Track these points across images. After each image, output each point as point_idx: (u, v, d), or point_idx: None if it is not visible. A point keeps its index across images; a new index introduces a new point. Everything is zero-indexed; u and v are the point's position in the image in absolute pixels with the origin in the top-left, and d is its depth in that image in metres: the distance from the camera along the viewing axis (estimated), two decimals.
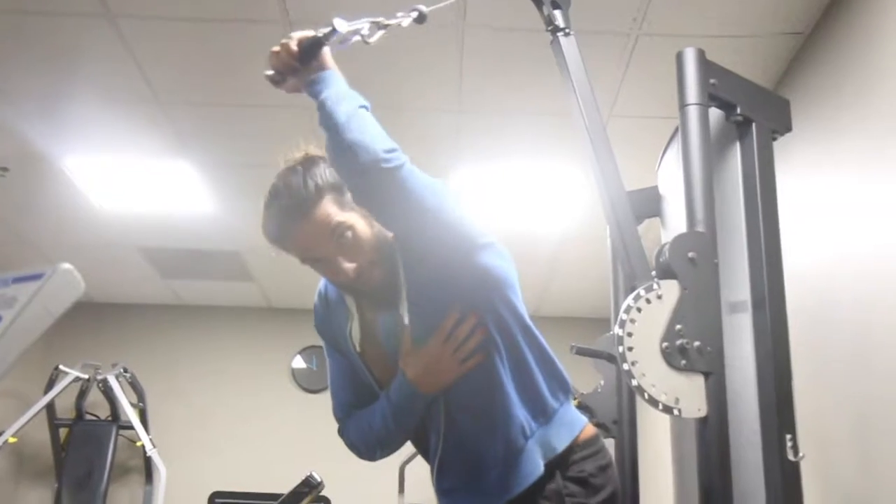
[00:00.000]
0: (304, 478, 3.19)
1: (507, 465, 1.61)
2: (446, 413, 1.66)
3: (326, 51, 1.54)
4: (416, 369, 1.63)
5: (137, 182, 4.53)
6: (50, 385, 5.74)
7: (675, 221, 2.31)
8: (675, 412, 1.63)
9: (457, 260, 1.61)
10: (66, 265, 1.52)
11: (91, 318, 6.45)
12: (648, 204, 2.59)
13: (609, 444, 2.30)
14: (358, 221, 1.60)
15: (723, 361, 1.69)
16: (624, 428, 3.00)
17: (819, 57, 3.08)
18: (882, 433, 2.48)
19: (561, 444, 1.64)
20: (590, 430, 1.72)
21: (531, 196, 4.58)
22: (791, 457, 1.84)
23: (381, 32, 1.56)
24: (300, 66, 1.54)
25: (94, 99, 3.75)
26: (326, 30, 1.50)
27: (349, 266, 1.59)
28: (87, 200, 4.72)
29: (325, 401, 6.58)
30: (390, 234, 1.64)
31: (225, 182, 4.50)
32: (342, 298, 1.76)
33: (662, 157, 2.47)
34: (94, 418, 6.03)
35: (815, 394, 2.81)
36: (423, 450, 1.77)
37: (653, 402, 1.62)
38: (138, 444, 5.72)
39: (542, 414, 1.66)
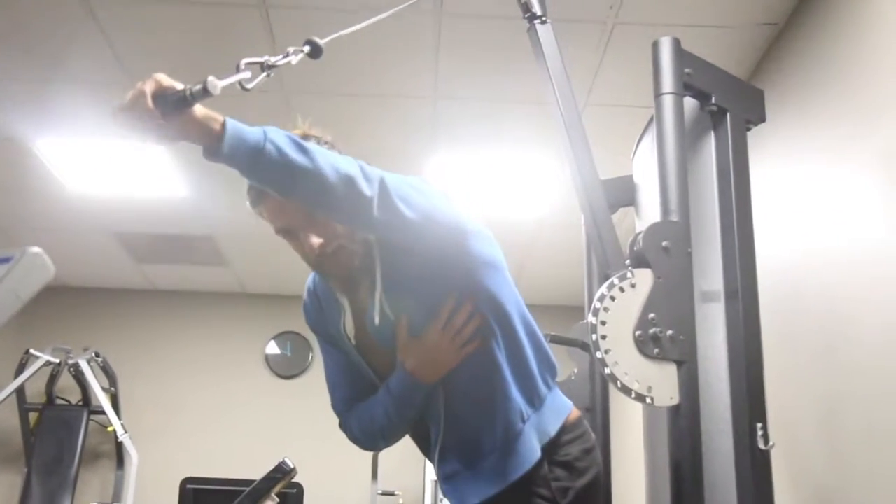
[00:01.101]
0: (276, 464, 3.19)
1: (506, 449, 1.62)
2: (446, 399, 1.66)
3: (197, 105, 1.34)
4: (415, 360, 1.63)
5: (111, 165, 4.47)
6: (20, 369, 5.67)
7: (649, 210, 2.32)
8: (648, 400, 1.64)
9: (447, 250, 1.60)
10: (36, 248, 1.49)
11: (63, 302, 6.38)
12: (623, 193, 2.60)
13: None
14: None
15: (695, 350, 1.70)
16: (597, 416, 3.02)
17: (793, 48, 3.09)
18: (851, 422, 2.51)
19: (553, 429, 1.66)
20: (575, 412, 1.74)
21: (506, 184, 4.58)
22: (761, 445, 1.86)
23: (263, 76, 1.42)
24: (160, 122, 1.33)
25: (68, 81, 3.70)
26: (196, 88, 1.30)
27: (315, 241, 1.58)
28: (60, 184, 4.66)
29: (298, 387, 6.59)
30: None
31: (199, 166, 4.46)
32: (330, 291, 1.75)
33: (637, 146, 2.48)
34: (64, 403, 5.97)
35: (786, 383, 2.84)
36: (422, 439, 1.78)
37: (626, 390, 1.63)
38: (109, 429, 5.68)
39: (536, 398, 1.68)
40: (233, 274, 6.21)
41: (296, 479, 3.42)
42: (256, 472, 3.27)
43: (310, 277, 1.84)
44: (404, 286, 1.63)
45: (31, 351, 5.68)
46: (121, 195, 4.84)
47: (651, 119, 2.14)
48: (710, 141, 2.08)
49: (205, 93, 1.28)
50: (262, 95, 3.70)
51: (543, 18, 1.91)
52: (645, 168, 2.42)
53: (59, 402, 5.96)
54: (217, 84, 1.29)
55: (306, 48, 1.47)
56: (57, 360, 5.75)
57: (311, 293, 1.83)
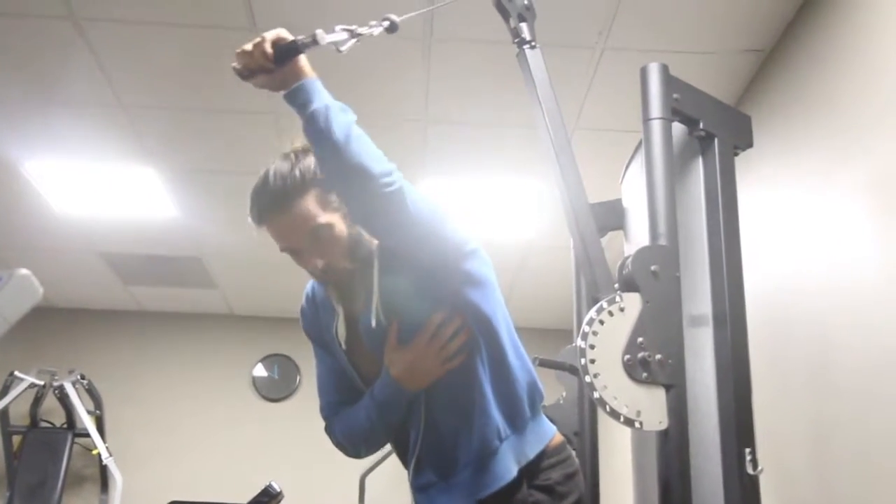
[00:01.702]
0: (263, 487, 3.17)
1: (481, 465, 1.62)
2: (426, 409, 1.68)
3: (303, 57, 1.52)
4: (399, 367, 1.66)
5: (99, 187, 4.47)
6: (4, 391, 5.61)
7: (638, 234, 2.33)
8: (637, 425, 1.64)
9: (444, 265, 1.64)
10: (24, 270, 1.49)
11: (49, 323, 6.34)
12: (612, 217, 2.61)
13: None
14: (337, 222, 1.62)
15: (684, 374, 1.70)
16: (585, 440, 3.01)
17: (780, 74, 3.13)
18: (839, 448, 2.51)
19: (533, 452, 1.66)
20: (558, 437, 1.74)
21: (495, 207, 4.60)
22: (750, 470, 1.85)
23: (353, 41, 1.55)
24: (273, 69, 1.50)
25: (57, 102, 3.69)
26: (307, 39, 1.49)
27: (319, 262, 1.63)
28: (48, 205, 4.65)
29: (285, 410, 6.56)
30: (368, 237, 1.67)
31: (188, 188, 4.46)
32: (327, 297, 1.80)
33: (626, 170, 2.49)
34: (48, 425, 5.91)
35: (774, 408, 2.85)
36: (402, 447, 1.79)
37: (614, 414, 1.63)
38: (94, 452, 5.62)
39: (519, 419, 1.68)
40: (221, 296, 6.19)
41: (283, 503, 3.40)
42: (243, 496, 3.25)
43: (309, 284, 1.87)
44: (399, 294, 1.66)
45: (16, 373, 5.62)
46: (109, 216, 4.83)
47: (639, 144, 2.15)
48: (699, 166, 2.09)
49: (313, 42, 1.48)
50: (250, 116, 3.71)
51: (533, 43, 1.92)
52: (633, 192, 2.43)
53: (43, 424, 5.89)
54: (324, 36, 1.48)
55: (385, 23, 1.60)
56: (41, 383, 5.70)
57: (310, 299, 1.87)
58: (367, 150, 1.46)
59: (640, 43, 3.20)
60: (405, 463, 1.78)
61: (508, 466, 1.62)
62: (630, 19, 3.07)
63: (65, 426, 5.85)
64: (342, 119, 1.47)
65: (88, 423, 5.60)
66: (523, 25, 1.94)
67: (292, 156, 1.63)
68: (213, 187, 4.44)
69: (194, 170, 4.28)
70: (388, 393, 1.68)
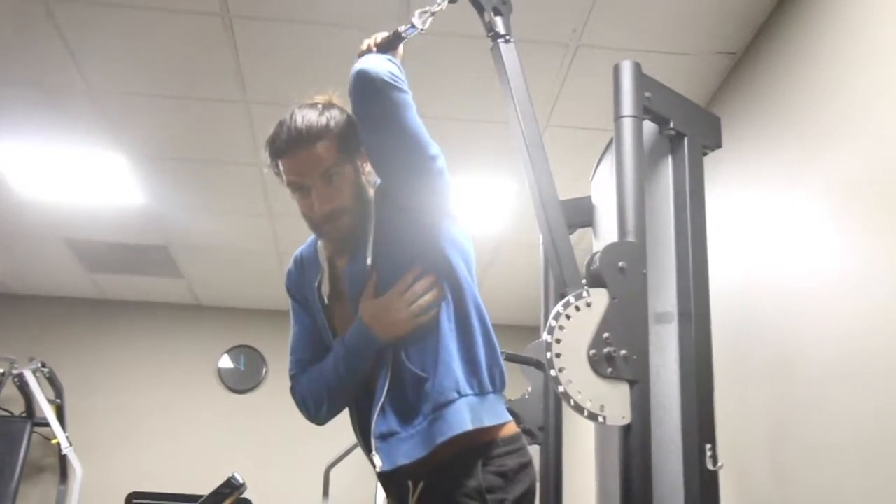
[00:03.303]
0: (226, 479, 3.15)
1: (436, 414, 1.65)
2: (394, 356, 1.73)
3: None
4: (372, 315, 1.73)
5: (64, 171, 4.40)
6: None
7: (606, 231, 2.35)
8: (600, 419, 1.65)
9: (429, 221, 1.74)
10: None
11: (10, 310, 6.26)
12: (581, 213, 2.63)
13: (535, 450, 2.32)
14: (349, 171, 1.75)
15: (648, 370, 1.72)
16: (550, 434, 3.03)
17: (750, 77, 3.16)
18: (797, 445, 2.55)
19: (488, 421, 1.68)
20: (514, 427, 1.76)
21: (464, 203, 4.59)
22: (710, 466, 1.88)
23: (430, 19, 1.83)
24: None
25: (22, 84, 3.63)
26: (406, 27, 1.79)
27: (325, 204, 1.73)
28: (10, 188, 4.57)
29: (251, 402, 6.51)
30: (372, 192, 1.79)
31: (156, 175, 4.41)
32: (316, 256, 1.89)
33: (596, 167, 2.50)
34: (6, 414, 5.82)
35: (736, 405, 2.88)
36: (362, 400, 1.81)
37: (578, 408, 1.64)
38: (54, 441, 5.55)
39: (478, 384, 1.71)
40: (187, 285, 6.14)
41: (245, 495, 3.38)
42: (205, 488, 3.22)
43: (298, 249, 1.98)
44: (388, 243, 1.75)
45: None
46: (74, 202, 4.76)
47: (610, 142, 2.16)
48: (668, 165, 2.11)
49: (412, 28, 1.80)
50: (220, 103, 3.68)
51: (508, 38, 1.93)
52: (603, 190, 2.45)
53: (1, 413, 5.81)
54: (419, 20, 1.82)
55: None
56: (1, 370, 5.61)
57: (297, 261, 1.96)
58: (397, 77, 1.67)
59: (614, 41, 3.22)
60: (359, 419, 1.82)
61: (464, 419, 1.64)
62: (605, 17, 3.09)
63: (24, 415, 5.77)
64: (397, 72, 1.69)
65: (48, 412, 5.53)
66: (498, 19, 1.94)
67: (319, 106, 1.75)
68: (181, 175, 4.40)
69: (163, 157, 4.24)
70: (358, 340, 1.74)
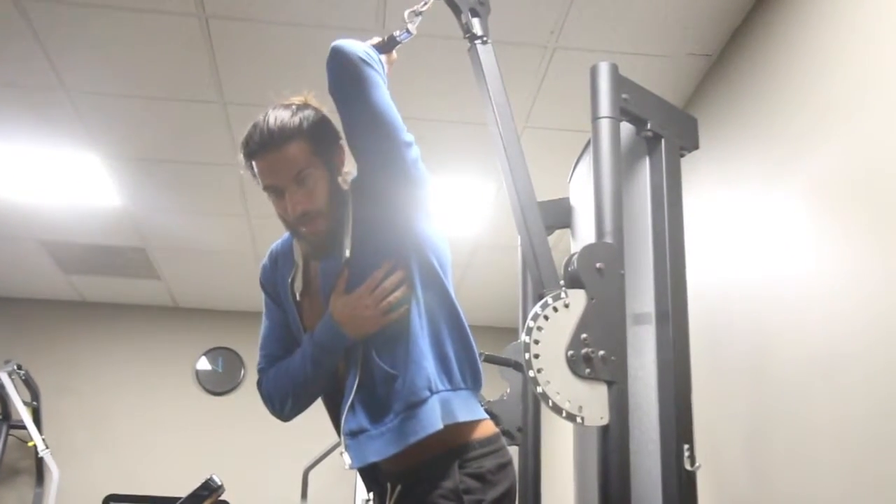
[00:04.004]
0: (204, 481, 3.13)
1: (410, 413, 1.64)
2: (364, 353, 1.72)
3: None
4: (342, 312, 1.72)
5: (41, 173, 4.36)
6: None
7: (584, 232, 2.35)
8: (578, 420, 1.65)
9: (404, 215, 1.73)
10: None
11: None
12: (559, 215, 2.63)
13: (513, 451, 2.32)
14: (322, 173, 1.74)
15: (626, 371, 1.72)
16: (528, 436, 3.03)
17: (726, 79, 3.18)
18: (775, 445, 2.57)
19: (462, 417, 1.67)
20: (490, 427, 1.75)
21: (442, 204, 4.59)
22: (688, 466, 1.89)
23: (418, 20, 1.87)
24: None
25: None
26: (401, 32, 1.85)
27: (298, 206, 1.71)
28: None
29: (229, 404, 6.47)
30: (346, 188, 1.78)
31: (133, 176, 4.38)
32: (290, 252, 1.89)
33: (574, 169, 2.51)
34: None
35: (713, 405, 2.90)
36: (336, 398, 1.81)
37: (557, 409, 1.64)
38: (30, 444, 5.50)
39: (451, 381, 1.71)
40: (164, 287, 6.10)
41: (223, 497, 3.36)
42: (183, 490, 3.20)
43: (274, 244, 1.97)
44: (361, 238, 1.73)
45: None
46: (50, 203, 4.72)
47: (588, 143, 2.17)
48: (645, 166, 2.12)
49: (407, 34, 1.85)
50: (197, 105, 3.66)
51: (485, 39, 1.93)
52: (581, 191, 2.45)
53: None
54: (413, 26, 1.86)
55: None
56: None
57: (272, 256, 1.96)
58: (371, 60, 1.67)
59: (590, 43, 3.23)
60: (336, 417, 1.81)
61: (435, 418, 1.63)
62: (582, 19, 3.10)
63: None
64: (375, 61, 1.69)
65: (24, 415, 5.48)
66: (475, 21, 1.94)
67: (293, 106, 1.75)
68: (158, 176, 4.37)
69: (139, 158, 4.21)
70: (327, 336, 1.73)
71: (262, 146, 1.69)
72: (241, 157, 1.75)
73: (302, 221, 1.73)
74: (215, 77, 3.48)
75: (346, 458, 1.68)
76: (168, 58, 3.38)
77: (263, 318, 1.94)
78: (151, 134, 3.98)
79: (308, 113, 1.74)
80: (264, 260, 1.97)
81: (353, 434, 1.69)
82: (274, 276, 1.92)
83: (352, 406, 1.71)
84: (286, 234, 1.93)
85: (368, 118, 1.64)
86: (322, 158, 1.74)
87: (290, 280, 1.86)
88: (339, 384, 1.79)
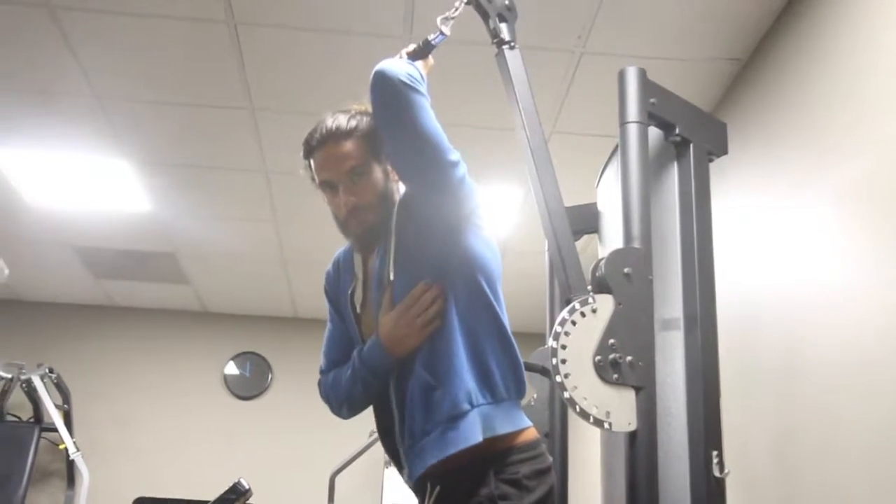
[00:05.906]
0: (231, 484, 3.15)
1: (449, 426, 1.65)
2: (410, 366, 1.75)
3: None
4: (387, 329, 1.77)
5: (72, 179, 4.42)
6: None
7: (612, 238, 2.34)
8: (606, 426, 1.65)
9: (450, 234, 1.76)
10: None
11: (18, 316, 6.28)
12: (587, 220, 2.62)
13: None
14: (376, 170, 1.82)
15: (654, 377, 1.71)
16: (555, 441, 3.02)
17: (756, 83, 3.16)
18: (804, 452, 2.54)
19: (502, 429, 1.68)
20: (532, 433, 1.75)
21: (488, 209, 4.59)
22: (717, 473, 1.87)
23: (451, 23, 1.92)
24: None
25: (30, 92, 3.65)
26: (435, 35, 1.91)
27: (350, 199, 1.79)
28: (19, 196, 4.59)
29: (256, 408, 6.53)
30: (396, 197, 1.84)
31: (162, 182, 4.43)
32: (351, 263, 1.95)
33: (602, 174, 2.50)
34: (15, 419, 5.84)
35: (742, 412, 2.87)
36: (385, 415, 1.84)
37: (584, 414, 1.63)
38: (61, 447, 5.55)
39: (491, 393, 1.71)
40: (193, 292, 6.15)
41: (251, 501, 3.38)
42: (211, 494, 3.23)
43: (338, 251, 2.05)
44: (405, 257, 1.78)
45: None
46: (82, 209, 4.78)
47: (615, 148, 2.16)
48: (673, 171, 2.11)
49: (441, 36, 1.92)
50: (226, 110, 3.69)
51: (512, 44, 1.93)
52: (609, 196, 2.44)
53: (9, 418, 5.82)
54: (447, 28, 1.92)
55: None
56: (9, 376, 5.62)
57: (336, 264, 2.03)
58: (415, 81, 1.71)
59: (618, 48, 3.22)
60: (388, 435, 1.84)
61: (475, 431, 1.64)
62: (609, 24, 3.09)
63: (32, 420, 5.79)
64: (416, 76, 1.73)
65: (56, 418, 5.54)
66: (503, 26, 1.94)
67: (352, 110, 1.84)
68: (188, 182, 4.41)
69: (169, 164, 4.25)
70: (372, 354, 1.80)
71: (320, 142, 1.79)
72: (301, 156, 1.85)
73: (353, 214, 1.80)
74: (244, 83, 3.51)
75: (405, 476, 1.76)
76: (197, 64, 3.42)
77: (327, 321, 2.02)
78: (181, 140, 4.02)
79: (365, 119, 1.82)
80: (328, 267, 2.04)
81: (406, 452, 1.74)
82: (336, 286, 1.99)
83: (402, 419, 1.75)
84: (349, 244, 1.98)
85: (413, 144, 1.68)
86: (376, 160, 1.81)
87: (350, 292, 1.92)
88: (389, 394, 1.82)
